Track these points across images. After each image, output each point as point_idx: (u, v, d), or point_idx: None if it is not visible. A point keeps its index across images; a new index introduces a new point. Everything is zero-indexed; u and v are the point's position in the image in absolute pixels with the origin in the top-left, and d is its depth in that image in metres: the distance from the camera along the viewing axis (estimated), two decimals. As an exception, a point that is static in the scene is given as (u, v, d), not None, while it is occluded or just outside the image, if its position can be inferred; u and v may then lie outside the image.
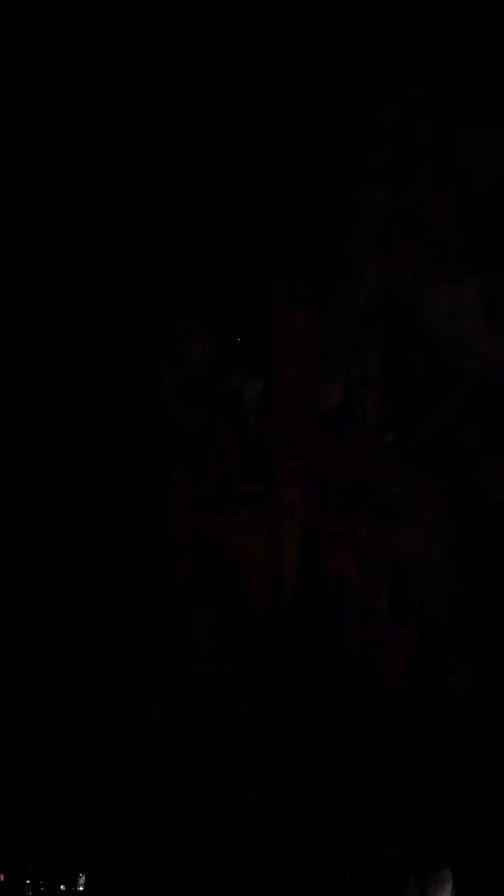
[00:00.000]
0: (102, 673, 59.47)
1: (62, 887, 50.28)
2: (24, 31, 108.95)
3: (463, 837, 45.15)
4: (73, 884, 51.13)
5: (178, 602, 64.13)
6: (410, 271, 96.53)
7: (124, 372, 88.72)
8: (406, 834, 51.25)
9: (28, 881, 48.58)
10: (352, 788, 54.66)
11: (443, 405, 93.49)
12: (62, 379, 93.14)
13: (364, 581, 73.35)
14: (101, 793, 56.54)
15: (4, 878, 51.26)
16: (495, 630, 64.77)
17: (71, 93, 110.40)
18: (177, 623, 60.98)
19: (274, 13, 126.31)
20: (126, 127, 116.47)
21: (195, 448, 78.99)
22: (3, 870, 51.70)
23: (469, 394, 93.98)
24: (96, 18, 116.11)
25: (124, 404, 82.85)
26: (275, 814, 52.76)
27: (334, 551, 73.48)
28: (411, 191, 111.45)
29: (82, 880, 50.36)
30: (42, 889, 50.31)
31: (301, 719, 56.29)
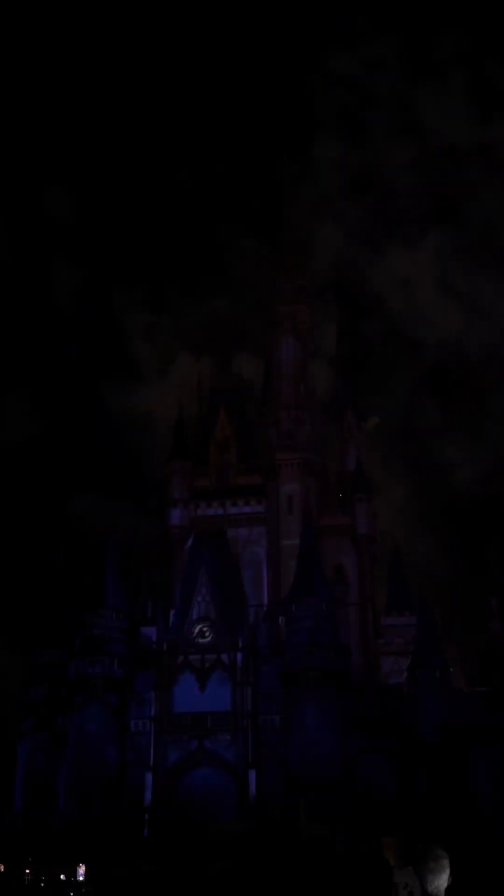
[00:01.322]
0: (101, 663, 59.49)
1: (62, 877, 50.44)
2: None
3: (461, 826, 45.32)
4: (72, 874, 51.28)
5: (178, 593, 64.23)
6: (364, 237, 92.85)
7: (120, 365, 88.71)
8: (404, 823, 51.40)
9: (27, 871, 48.71)
10: (350, 778, 54.83)
11: (402, 378, 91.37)
12: (62, 374, 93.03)
13: (363, 572, 73.48)
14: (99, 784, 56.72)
15: (4, 868, 51.45)
16: (495, 621, 64.88)
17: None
18: (177, 613, 61.09)
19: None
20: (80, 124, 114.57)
21: (195, 440, 79.04)
22: (2, 860, 51.88)
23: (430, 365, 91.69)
24: None
25: (123, 398, 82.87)
26: (273, 802, 52.91)
27: (333, 543, 73.59)
28: (366, 149, 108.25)
29: (82, 870, 50.49)
30: (42, 879, 50.48)
31: (300, 708, 56.43)
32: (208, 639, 58.68)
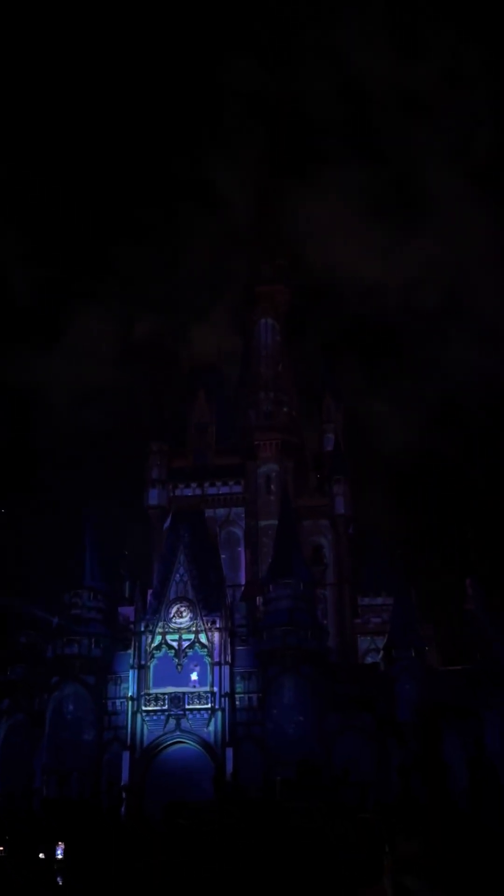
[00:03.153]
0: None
1: (41, 855, 50.63)
2: None
3: (435, 804, 45.73)
4: (51, 852, 51.44)
5: (156, 573, 64.28)
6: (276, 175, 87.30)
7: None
8: (381, 801, 51.85)
9: (1, 847, 48.78)
10: (328, 756, 55.25)
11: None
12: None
13: (340, 553, 73.78)
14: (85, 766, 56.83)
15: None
16: (470, 601, 65.35)
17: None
18: (154, 594, 61.15)
19: None
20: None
21: (173, 420, 78.85)
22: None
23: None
24: None
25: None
26: (251, 780, 53.25)
27: (311, 523, 73.80)
28: (287, 77, 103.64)
29: (61, 849, 50.70)
30: (18, 857, 50.56)
31: (277, 687, 56.74)
32: (186, 619, 58.83)
